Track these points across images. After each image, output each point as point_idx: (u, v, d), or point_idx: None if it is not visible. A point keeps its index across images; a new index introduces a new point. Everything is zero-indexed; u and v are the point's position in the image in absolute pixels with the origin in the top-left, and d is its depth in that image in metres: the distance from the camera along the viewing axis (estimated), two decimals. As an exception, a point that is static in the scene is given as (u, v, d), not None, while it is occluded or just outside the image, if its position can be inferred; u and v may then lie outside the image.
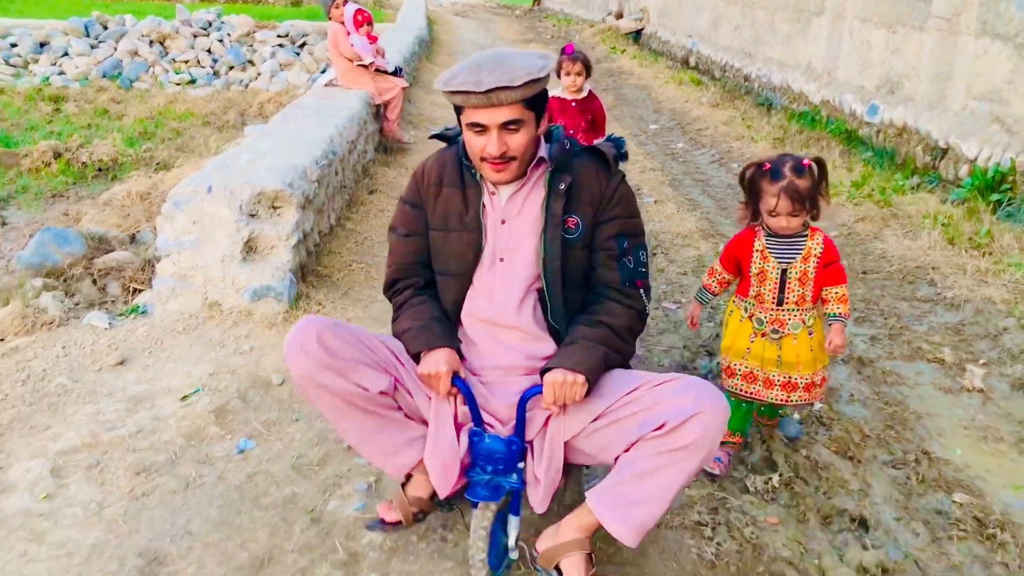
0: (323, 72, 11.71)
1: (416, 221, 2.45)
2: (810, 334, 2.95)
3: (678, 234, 5.66)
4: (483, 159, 2.23)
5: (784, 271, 2.89)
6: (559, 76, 4.72)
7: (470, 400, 2.27)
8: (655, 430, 2.08)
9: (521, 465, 2.27)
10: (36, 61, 12.80)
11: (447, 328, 2.37)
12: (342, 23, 7.52)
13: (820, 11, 9.82)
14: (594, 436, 2.23)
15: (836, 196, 6.47)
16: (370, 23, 7.68)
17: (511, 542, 2.33)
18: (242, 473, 2.87)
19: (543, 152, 2.35)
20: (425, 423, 2.36)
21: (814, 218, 2.85)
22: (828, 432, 3.36)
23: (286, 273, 4.05)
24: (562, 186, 2.31)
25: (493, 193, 2.37)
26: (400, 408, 2.37)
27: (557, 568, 2.27)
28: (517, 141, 2.21)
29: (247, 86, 12.50)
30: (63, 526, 2.56)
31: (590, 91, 4.84)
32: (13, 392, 3.32)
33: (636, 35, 17.80)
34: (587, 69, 4.75)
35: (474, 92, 2.10)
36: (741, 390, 3.02)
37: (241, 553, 2.48)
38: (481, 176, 2.34)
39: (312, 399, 2.28)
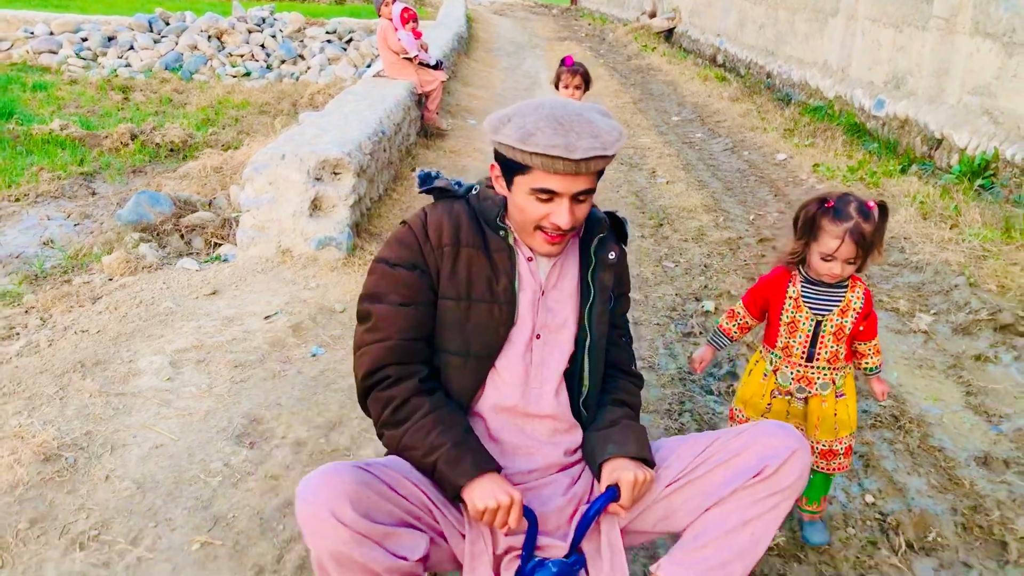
0: (368, 67, 12.56)
1: (420, 287, 1.97)
2: (838, 396, 2.65)
3: (684, 208, 6.41)
4: (539, 228, 1.93)
5: (819, 323, 2.58)
6: (557, 88, 4.73)
7: (533, 529, 1.87)
8: (753, 477, 1.87)
9: None
10: (104, 54, 13.81)
11: (480, 443, 1.93)
12: (390, 20, 8.35)
13: (835, 12, 10.45)
14: (650, 511, 1.99)
15: (831, 179, 7.17)
16: (415, 20, 8.52)
17: None
18: (316, 369, 3.69)
19: None
20: (455, 565, 1.94)
21: (859, 269, 2.52)
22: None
23: (345, 227, 4.87)
24: (612, 256, 2.08)
25: (531, 259, 2.02)
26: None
27: None
28: (583, 211, 1.93)
29: (298, 79, 13.39)
30: (183, 398, 3.39)
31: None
32: (131, 312, 4.16)
33: (668, 34, 18.46)
34: (586, 82, 4.69)
35: (564, 158, 1.79)
36: None
37: (318, 418, 3.30)
38: (514, 239, 2.01)
39: None
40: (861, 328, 2.62)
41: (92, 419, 3.17)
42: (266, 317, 4.12)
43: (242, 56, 14.05)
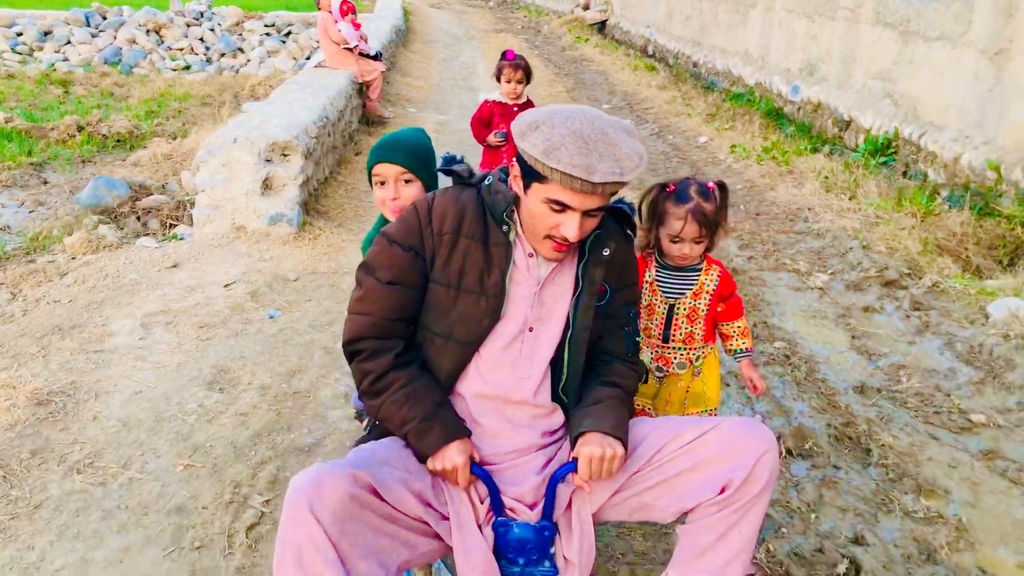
0: (308, 59, 12.83)
1: (410, 269, 2.04)
2: (696, 374, 2.75)
3: (611, 186, 6.90)
4: (548, 236, 1.98)
5: (672, 306, 2.67)
6: (498, 81, 4.84)
7: (491, 488, 2.02)
8: (719, 494, 1.94)
9: (552, 551, 2.03)
10: (41, 49, 13.85)
11: (452, 412, 2.05)
12: (330, 12, 8.70)
13: (755, 3, 11.06)
14: (626, 503, 2.07)
15: (746, 159, 7.74)
16: (354, 12, 8.89)
17: None
18: (274, 328, 4.08)
19: None
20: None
21: (708, 248, 2.63)
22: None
23: (295, 205, 5.25)
24: (606, 252, 2.10)
25: (531, 255, 2.08)
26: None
27: None
28: (591, 225, 1.98)
29: (238, 71, 13.61)
30: (156, 353, 3.76)
31: (528, 98, 4.92)
32: (99, 284, 4.50)
33: (601, 26, 19.02)
34: (527, 76, 4.79)
35: (583, 179, 1.83)
36: None
37: (279, 368, 3.70)
38: (516, 235, 2.07)
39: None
40: (720, 309, 2.71)
41: (75, 371, 3.53)
42: (225, 285, 4.49)
43: (181, 50, 14.20)
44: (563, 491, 2.03)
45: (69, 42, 14.06)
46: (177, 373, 3.59)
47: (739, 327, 2.77)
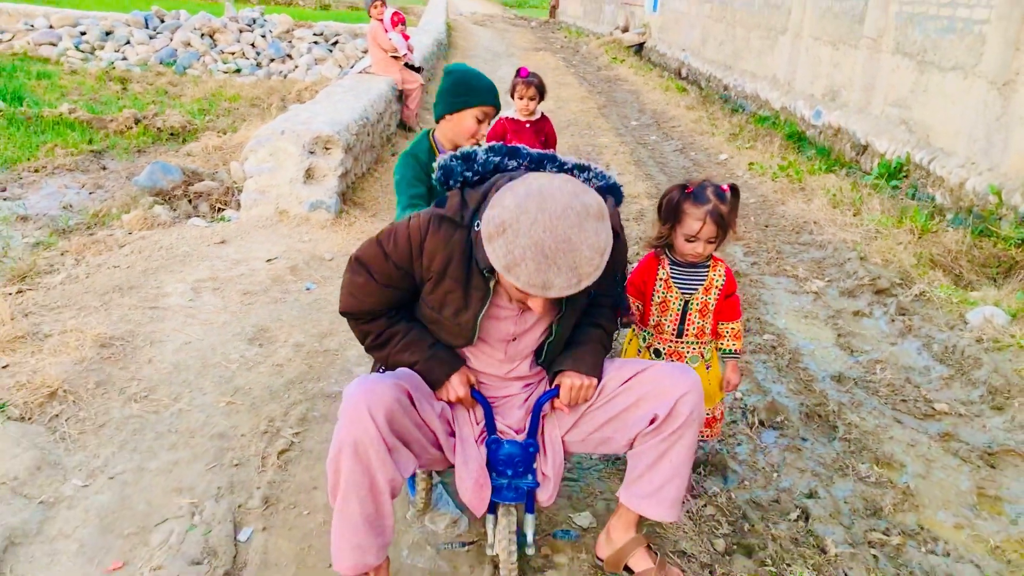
0: (352, 68, 13.41)
1: (401, 281, 2.29)
2: (707, 368, 2.93)
3: (629, 194, 7.32)
4: (520, 301, 2.18)
5: (687, 302, 2.85)
6: (512, 98, 4.88)
7: (487, 409, 2.36)
8: (648, 424, 2.27)
9: (535, 466, 2.39)
10: (102, 48, 14.59)
11: (446, 348, 2.36)
12: (380, 21, 9.25)
13: (784, 30, 11.44)
14: (588, 433, 2.40)
15: (762, 175, 8.11)
16: (404, 23, 9.44)
17: (530, 539, 2.49)
18: (310, 298, 4.54)
19: None
20: (444, 463, 2.41)
21: (718, 247, 2.79)
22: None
23: (333, 194, 5.72)
24: None
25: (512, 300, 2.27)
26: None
27: (627, 568, 2.52)
28: (559, 300, 2.20)
29: (286, 76, 14.23)
30: (204, 312, 4.22)
31: (543, 114, 4.95)
32: (154, 254, 4.99)
33: (639, 48, 19.47)
34: (540, 93, 4.81)
35: (539, 296, 2.01)
36: None
37: (313, 329, 4.15)
38: (496, 284, 2.25)
39: (342, 467, 2.14)
40: (725, 299, 2.88)
41: (133, 323, 4.01)
42: (268, 260, 4.96)
43: (233, 54, 14.86)
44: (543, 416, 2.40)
45: (128, 42, 14.78)
46: (222, 329, 4.05)
47: (733, 328, 2.93)
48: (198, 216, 6.07)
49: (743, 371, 4.19)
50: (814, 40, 10.56)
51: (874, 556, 2.85)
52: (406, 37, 9.53)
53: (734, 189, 2.72)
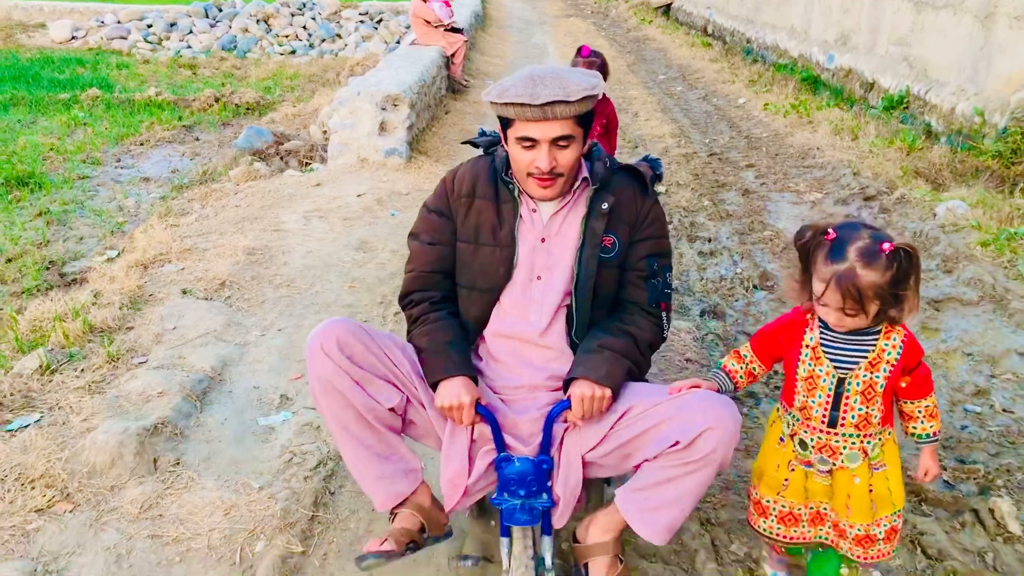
0: (398, 43, 14.52)
1: (442, 230, 2.40)
2: (874, 469, 2.18)
3: (655, 135, 8.36)
4: (530, 174, 2.22)
5: (841, 380, 2.12)
6: None
7: (494, 428, 2.23)
8: (671, 447, 2.10)
9: (549, 484, 2.23)
10: (168, 38, 15.87)
11: (464, 353, 2.31)
12: (421, -2, 10.39)
13: (798, -18, 12.27)
14: (610, 451, 2.24)
15: (775, 113, 9.08)
16: (442, -5, 10.58)
17: (548, 563, 2.30)
18: (395, 221, 5.68)
19: (584, 171, 2.34)
20: (436, 440, 2.36)
21: (893, 320, 2.06)
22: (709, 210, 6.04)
23: (403, 143, 6.86)
24: (604, 206, 2.31)
25: (535, 211, 2.35)
26: (404, 429, 2.35)
27: (585, 566, 2.33)
28: (566, 157, 2.20)
29: (336, 55, 15.39)
30: (317, 232, 5.39)
31: (604, 94, 4.89)
32: (265, 196, 6.17)
33: (666, 9, 20.26)
34: (603, 72, 4.46)
35: (529, 105, 2.08)
36: (778, 535, 2.30)
37: (401, 241, 5.27)
38: (520, 192, 2.33)
39: (322, 406, 2.23)
40: (904, 384, 2.16)
41: (265, 240, 5.19)
42: (358, 195, 6.11)
43: (287, 36, 16.06)
44: (557, 431, 2.26)
45: (191, 31, 16.05)
46: (334, 243, 5.21)
47: (927, 406, 2.20)
48: (290, 169, 7.25)
49: (742, 252, 5.23)
50: (825, -11, 11.39)
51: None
52: (447, 4, 10.63)
53: (906, 251, 1.96)
